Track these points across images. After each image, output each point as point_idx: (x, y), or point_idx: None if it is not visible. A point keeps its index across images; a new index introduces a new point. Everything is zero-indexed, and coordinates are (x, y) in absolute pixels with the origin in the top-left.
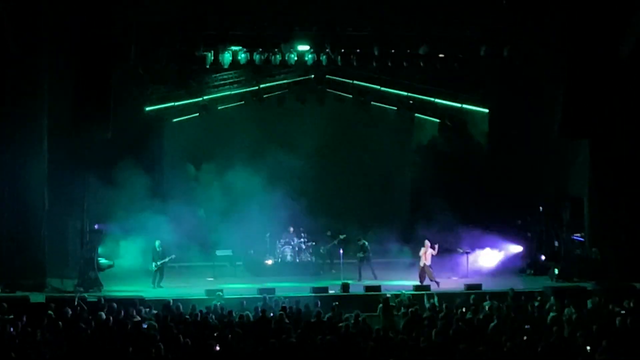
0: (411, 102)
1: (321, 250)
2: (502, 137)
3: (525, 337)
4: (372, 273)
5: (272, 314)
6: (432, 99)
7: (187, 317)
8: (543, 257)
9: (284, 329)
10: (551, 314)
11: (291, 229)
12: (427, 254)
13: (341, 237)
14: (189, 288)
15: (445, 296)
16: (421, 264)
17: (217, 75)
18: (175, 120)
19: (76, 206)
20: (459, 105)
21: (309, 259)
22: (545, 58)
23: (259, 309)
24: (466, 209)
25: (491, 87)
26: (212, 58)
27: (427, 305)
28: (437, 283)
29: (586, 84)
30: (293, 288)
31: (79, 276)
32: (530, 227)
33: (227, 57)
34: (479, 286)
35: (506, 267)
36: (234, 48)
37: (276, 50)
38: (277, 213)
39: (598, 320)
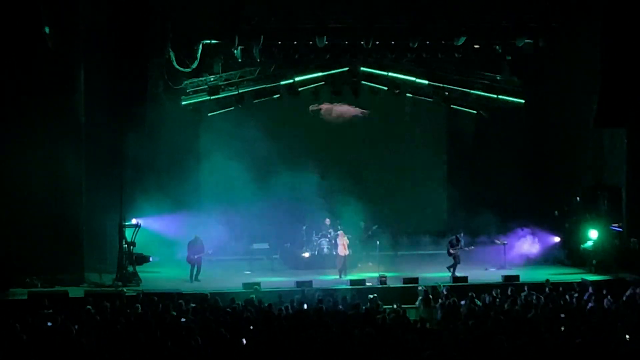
0: (447, 93)
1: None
2: (538, 127)
3: (562, 328)
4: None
5: (309, 307)
6: (468, 90)
7: (228, 309)
8: (581, 248)
9: (321, 322)
10: (589, 305)
11: (327, 221)
12: (342, 244)
13: (374, 227)
14: (226, 282)
15: (483, 287)
16: (341, 254)
17: (252, 68)
18: (210, 114)
19: (113, 201)
20: (494, 96)
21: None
22: (581, 47)
23: (297, 302)
24: (503, 200)
25: (527, 78)
26: (247, 52)
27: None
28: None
29: (622, 73)
30: (330, 281)
31: (117, 271)
32: (567, 217)
33: (261, 51)
34: (516, 277)
35: (544, 258)
36: (268, 41)
37: (311, 43)
38: (313, 206)
39: (637, 310)
